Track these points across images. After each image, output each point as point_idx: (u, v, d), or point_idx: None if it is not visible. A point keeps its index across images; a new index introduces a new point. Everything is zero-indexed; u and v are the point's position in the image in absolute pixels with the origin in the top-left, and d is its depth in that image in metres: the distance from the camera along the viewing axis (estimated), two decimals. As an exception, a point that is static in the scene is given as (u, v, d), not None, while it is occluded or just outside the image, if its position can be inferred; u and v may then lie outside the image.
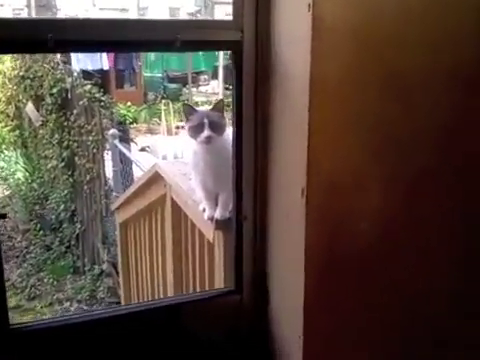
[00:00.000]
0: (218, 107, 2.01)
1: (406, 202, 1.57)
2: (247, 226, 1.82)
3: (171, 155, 10.05)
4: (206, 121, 1.94)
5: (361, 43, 1.47)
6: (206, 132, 1.93)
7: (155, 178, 3.04)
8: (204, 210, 2.20)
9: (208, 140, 1.94)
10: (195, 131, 1.96)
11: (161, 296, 3.37)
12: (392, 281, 1.60)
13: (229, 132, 2.02)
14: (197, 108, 2.04)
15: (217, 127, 1.95)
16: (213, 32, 1.64)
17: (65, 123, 6.30)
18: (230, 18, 1.67)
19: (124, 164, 4.73)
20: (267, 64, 1.67)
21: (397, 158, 1.55)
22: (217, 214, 2.12)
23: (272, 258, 1.76)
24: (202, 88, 15.55)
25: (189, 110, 2.01)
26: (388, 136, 1.54)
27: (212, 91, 15.39)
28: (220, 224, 2.14)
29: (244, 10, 1.65)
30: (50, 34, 1.40)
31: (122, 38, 1.51)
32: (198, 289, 2.56)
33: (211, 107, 2.02)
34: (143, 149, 10.95)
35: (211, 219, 2.15)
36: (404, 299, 1.63)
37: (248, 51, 1.68)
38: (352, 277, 1.54)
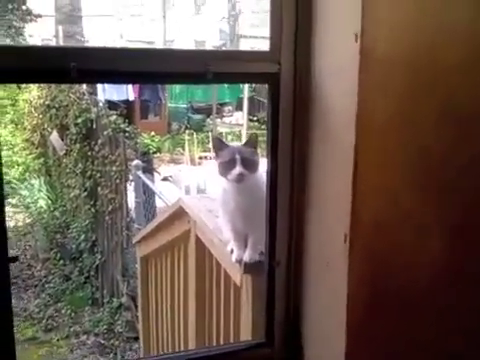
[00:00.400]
0: (251, 142, 1.88)
1: (451, 242, 1.44)
2: (280, 272, 1.68)
3: (194, 185, 9.98)
4: (238, 157, 1.81)
5: (414, 74, 1.34)
6: (238, 169, 1.80)
7: (179, 213, 2.92)
8: (232, 251, 2.06)
9: (240, 178, 1.81)
10: (226, 168, 1.83)
11: (181, 337, 3.20)
12: (437, 319, 1.45)
13: (262, 169, 1.90)
14: (228, 143, 1.91)
15: (250, 164, 1.82)
16: (248, 64, 1.53)
17: (89, 153, 6.27)
18: (266, 49, 1.56)
19: (147, 195, 4.62)
20: (306, 98, 1.56)
21: (447, 198, 1.42)
22: (246, 257, 1.97)
23: (308, 307, 1.62)
24: (226, 119, 15.56)
25: (219, 145, 1.89)
26: (439, 174, 1.41)
27: (236, 122, 15.38)
28: (249, 268, 1.99)
29: (282, 41, 1.54)
30: (73, 63, 1.31)
31: (148, 69, 1.42)
32: (222, 336, 2.40)
33: (243, 142, 1.90)
34: (166, 179, 10.90)
35: (239, 262, 2.01)
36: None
37: (286, 84, 1.57)
38: (395, 316, 1.42)
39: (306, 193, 1.59)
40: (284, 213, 1.64)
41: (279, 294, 1.68)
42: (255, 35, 14.60)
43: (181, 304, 3.18)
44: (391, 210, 1.39)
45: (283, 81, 1.56)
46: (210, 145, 12.90)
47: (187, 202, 2.74)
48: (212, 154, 12.09)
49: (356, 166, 1.35)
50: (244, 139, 11.89)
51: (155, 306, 3.94)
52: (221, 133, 13.72)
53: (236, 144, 1.96)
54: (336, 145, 1.44)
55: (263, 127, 14.81)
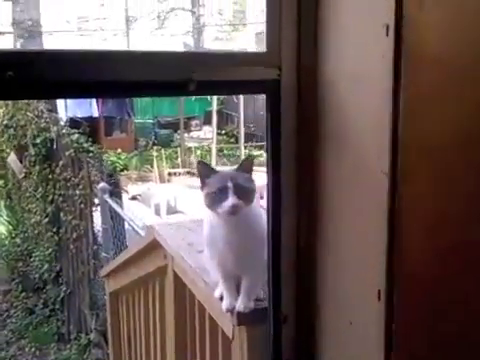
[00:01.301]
0: (245, 166, 1.52)
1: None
2: (288, 330, 1.34)
3: (164, 203, 9.58)
4: (230, 185, 1.44)
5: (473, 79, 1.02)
6: (231, 200, 1.44)
7: (153, 245, 2.54)
8: (221, 298, 1.69)
9: (233, 210, 1.44)
10: (215, 199, 1.46)
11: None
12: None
13: (258, 200, 1.55)
14: (216, 168, 1.55)
15: (245, 193, 1.46)
16: (240, 70, 1.19)
17: (50, 175, 5.80)
18: (262, 50, 1.23)
19: (115, 221, 4.22)
20: (315, 112, 1.23)
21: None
22: (240, 306, 1.61)
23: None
24: (194, 134, 15.21)
25: (206, 170, 1.52)
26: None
27: (204, 136, 15.07)
28: (244, 318, 1.63)
29: (282, 38, 1.22)
30: (10, 72, 0.96)
31: (111, 78, 1.07)
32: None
33: (236, 167, 1.53)
34: (134, 197, 10.47)
35: (231, 311, 1.64)
36: None
37: (288, 94, 1.25)
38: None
39: (318, 233, 1.26)
40: (290, 256, 1.31)
41: (287, 358, 1.35)
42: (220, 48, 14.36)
43: (158, 347, 2.79)
44: (450, 257, 1.06)
45: (285, 90, 1.24)
46: (179, 160, 12.55)
47: (162, 233, 2.36)
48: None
49: (393, 199, 1.02)
50: (214, 154, 11.56)
51: (127, 345, 3.53)
52: (190, 148, 13.36)
53: (227, 170, 1.59)
54: (360, 174, 1.11)
55: (232, 140, 14.58)
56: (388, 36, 0.99)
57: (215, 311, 1.87)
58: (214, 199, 1.47)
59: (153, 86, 1.13)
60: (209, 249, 1.65)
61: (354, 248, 1.15)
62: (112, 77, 1.06)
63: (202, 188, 1.52)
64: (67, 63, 1.02)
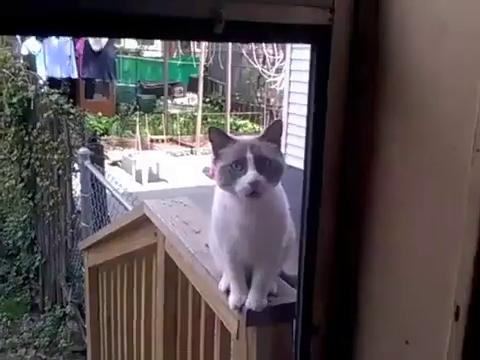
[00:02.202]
0: (271, 133, 1.20)
1: None
2: (318, 344, 1.09)
3: (146, 171, 9.25)
4: (250, 156, 1.16)
5: None
6: (251, 175, 1.14)
7: (141, 221, 2.26)
8: (227, 292, 1.42)
9: (254, 188, 1.14)
10: (230, 174, 1.17)
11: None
12: None
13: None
14: (233, 136, 1.24)
15: (269, 168, 1.17)
16: (280, 10, 0.91)
17: (26, 138, 5.41)
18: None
19: (96, 190, 3.91)
20: (376, 70, 0.95)
21: None
22: (251, 303, 1.35)
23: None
24: (177, 100, 14.78)
25: (219, 139, 1.21)
26: None
27: (188, 103, 14.67)
28: (255, 318, 1.37)
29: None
30: None
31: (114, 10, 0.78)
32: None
33: (260, 134, 1.22)
34: (115, 163, 10.12)
35: (239, 309, 1.38)
36: None
37: (341, 44, 0.97)
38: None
39: (365, 230, 1.00)
40: (327, 257, 1.06)
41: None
42: None
43: (141, 331, 2.54)
44: None
45: (336, 40, 0.96)
46: (162, 126, 12.15)
47: (154, 209, 2.08)
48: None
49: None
50: (199, 122, 11.21)
51: (106, 324, 3.27)
52: (173, 115, 12.97)
53: (247, 137, 1.28)
54: (439, 153, 0.84)
55: (216, 109, 14.19)
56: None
57: (215, 303, 1.61)
58: (229, 174, 1.18)
59: (168, 24, 0.84)
60: (218, 234, 1.37)
61: (419, 251, 0.89)
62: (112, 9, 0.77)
63: (215, 161, 1.23)
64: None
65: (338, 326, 1.06)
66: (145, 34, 0.87)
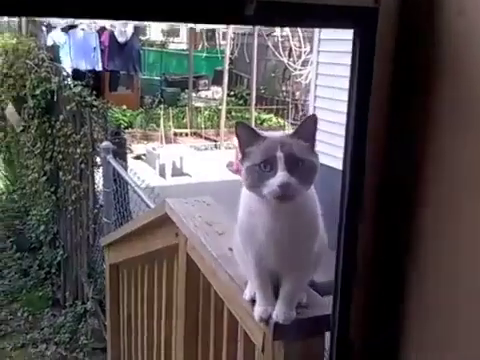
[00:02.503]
0: (304, 130, 1.08)
1: None
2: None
3: (169, 165, 9.19)
4: (280, 155, 1.04)
5: None
6: (281, 177, 1.02)
7: (163, 220, 2.16)
8: (253, 302, 1.31)
9: (284, 191, 1.02)
10: (258, 175, 1.05)
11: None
12: None
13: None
14: (263, 132, 1.11)
15: (302, 170, 1.04)
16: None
17: (49, 131, 5.34)
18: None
19: (118, 185, 3.82)
20: (431, 61, 0.82)
21: None
22: (279, 315, 1.23)
23: None
24: (201, 93, 14.67)
25: (247, 135, 1.09)
26: None
27: (212, 97, 14.55)
28: (282, 331, 1.25)
29: None
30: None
31: None
32: None
33: (292, 131, 1.09)
34: (138, 157, 10.08)
35: (265, 321, 1.26)
36: None
37: (388, 30, 0.84)
38: None
39: (418, 223, 0.87)
40: (367, 266, 0.94)
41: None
42: None
43: (162, 331, 2.44)
44: None
45: (383, 24, 0.83)
46: (186, 120, 12.06)
47: (175, 208, 1.97)
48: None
49: None
50: (224, 116, 11.09)
51: (127, 323, 3.19)
52: (197, 108, 12.88)
53: (278, 134, 1.15)
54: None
55: (240, 102, 14.05)
56: None
57: (239, 311, 1.49)
58: (256, 175, 1.06)
59: (196, 6, 0.72)
60: (243, 238, 1.24)
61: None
62: None
63: (242, 160, 1.11)
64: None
65: (378, 343, 0.94)
66: (173, 17, 0.76)
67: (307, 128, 1.08)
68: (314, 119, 1.08)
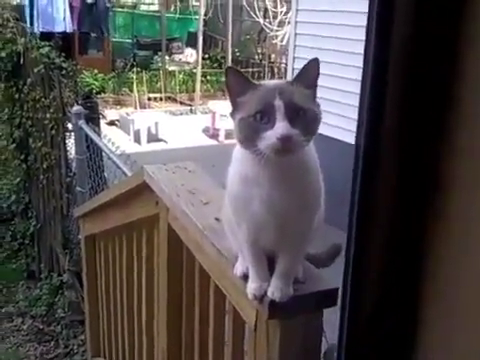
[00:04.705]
0: (306, 76, 0.94)
1: None
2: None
3: (144, 131, 8.96)
4: (279, 104, 0.90)
5: None
6: (281, 128, 0.88)
7: (141, 189, 2.02)
8: (245, 278, 1.18)
9: (285, 146, 0.89)
10: (253, 128, 0.91)
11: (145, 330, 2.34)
12: None
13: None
14: (255, 81, 0.97)
15: (304, 120, 0.91)
16: None
17: (16, 95, 5.08)
18: None
19: (91, 151, 3.63)
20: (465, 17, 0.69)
21: None
22: (274, 292, 1.11)
23: None
24: (175, 56, 14.28)
25: (239, 82, 0.94)
26: None
27: (186, 60, 14.18)
28: (278, 310, 1.14)
29: None
30: None
31: None
32: None
33: (292, 78, 0.95)
34: (112, 123, 9.80)
35: (259, 299, 1.14)
36: None
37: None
38: None
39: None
40: (380, 252, 0.82)
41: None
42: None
43: (143, 307, 2.33)
44: None
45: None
46: (160, 84, 11.74)
47: (155, 175, 1.83)
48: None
49: None
50: (199, 79, 10.81)
51: (105, 297, 3.07)
52: (171, 72, 12.54)
53: (276, 81, 1.01)
54: None
55: (215, 65, 13.72)
56: None
57: (227, 286, 1.37)
58: (251, 128, 0.92)
59: None
60: (236, 210, 1.11)
61: None
62: None
63: (233, 112, 0.96)
64: None
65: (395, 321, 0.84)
66: None
67: (309, 73, 0.94)
68: (317, 63, 0.93)
